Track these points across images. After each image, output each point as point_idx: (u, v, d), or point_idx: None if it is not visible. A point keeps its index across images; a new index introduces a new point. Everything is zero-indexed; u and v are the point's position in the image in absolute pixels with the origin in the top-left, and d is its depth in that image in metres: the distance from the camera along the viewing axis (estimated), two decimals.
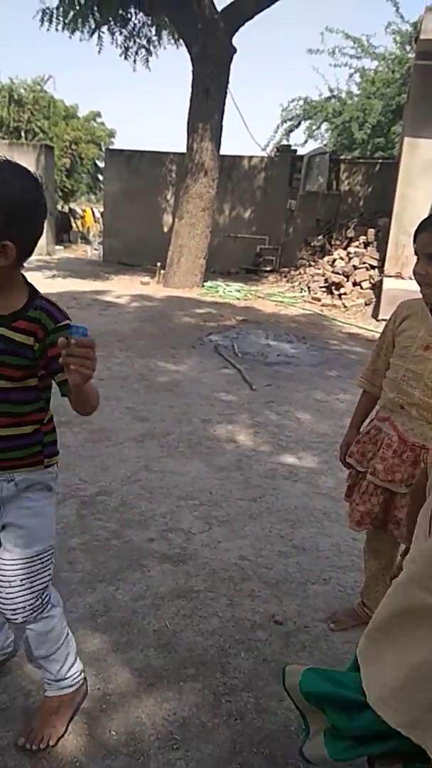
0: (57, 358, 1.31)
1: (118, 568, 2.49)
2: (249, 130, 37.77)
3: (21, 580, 1.55)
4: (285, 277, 11.94)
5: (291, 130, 15.89)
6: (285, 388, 5.17)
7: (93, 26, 10.59)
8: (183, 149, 10.64)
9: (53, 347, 1.38)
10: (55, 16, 10.32)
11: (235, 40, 9.97)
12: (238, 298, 10.05)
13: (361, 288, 9.57)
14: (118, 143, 28.52)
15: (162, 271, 11.01)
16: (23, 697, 1.81)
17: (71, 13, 10.23)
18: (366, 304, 9.28)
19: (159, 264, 11.12)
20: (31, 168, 1.43)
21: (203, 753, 1.68)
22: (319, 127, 15.76)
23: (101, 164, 27.59)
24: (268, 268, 12.76)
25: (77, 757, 1.63)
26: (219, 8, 9.68)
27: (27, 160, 13.06)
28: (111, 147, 19.62)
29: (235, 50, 9.99)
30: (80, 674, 1.77)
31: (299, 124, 15.75)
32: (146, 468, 3.45)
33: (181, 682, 1.91)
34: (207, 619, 2.22)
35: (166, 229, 12.69)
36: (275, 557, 2.64)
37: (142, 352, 6.00)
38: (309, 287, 10.41)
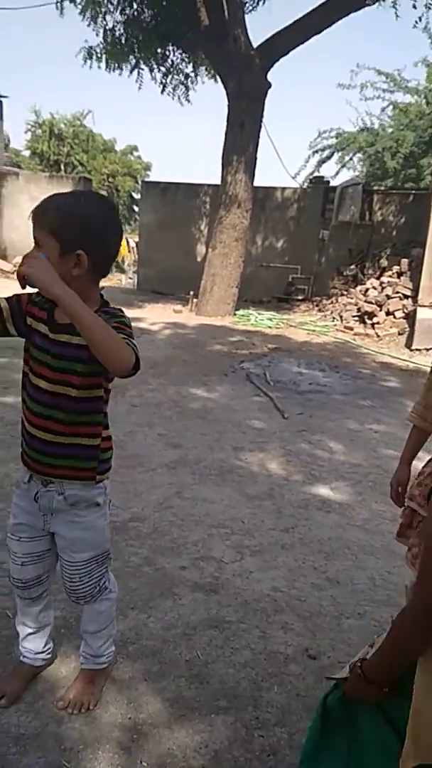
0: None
1: (150, 595, 2.48)
2: (282, 162, 38.45)
3: (80, 577, 1.74)
4: (317, 306, 11.95)
5: (323, 161, 16.13)
6: (317, 417, 5.14)
7: (133, 64, 10.97)
8: (217, 180, 10.85)
9: None
10: (96, 54, 10.74)
11: (269, 75, 10.20)
12: (270, 327, 10.08)
13: (395, 317, 9.52)
14: (154, 175, 29.26)
15: (195, 300, 11.14)
16: (55, 724, 1.80)
17: (112, 51, 10.63)
18: (399, 334, 9.21)
19: (192, 293, 11.25)
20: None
21: None
22: (351, 158, 15.96)
23: (137, 196, 28.34)
24: (300, 297, 12.80)
25: None
26: (255, 44, 9.94)
27: (66, 191, 13.46)
28: (147, 179, 20.09)
29: (270, 85, 10.22)
30: (112, 654, 1.95)
31: (332, 155, 15.97)
32: (178, 495, 3.45)
33: (212, 715, 1.89)
34: (239, 650, 2.19)
35: (199, 259, 12.87)
36: (308, 589, 2.60)
37: (174, 379, 6.05)
38: (341, 316, 10.39)
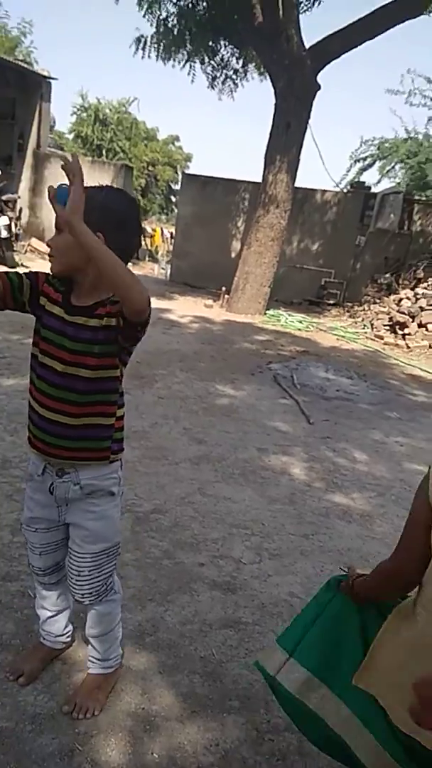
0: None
1: (168, 589, 2.51)
2: (325, 166, 38.03)
3: (89, 571, 1.71)
4: (348, 312, 11.88)
5: (364, 169, 15.99)
6: (343, 425, 5.12)
7: (185, 56, 10.97)
8: (257, 178, 10.81)
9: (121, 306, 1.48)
10: (149, 44, 10.77)
11: (319, 77, 10.12)
12: (300, 329, 10.05)
13: (427, 330, 9.42)
14: (194, 168, 29.23)
15: (226, 296, 11.14)
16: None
17: (165, 43, 10.65)
18: (430, 347, 9.12)
19: (224, 288, 11.26)
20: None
21: None
22: (393, 167, 15.78)
23: (175, 186, 28.36)
24: (332, 302, 12.73)
25: None
26: (307, 45, 9.87)
27: (107, 178, 13.54)
28: (187, 171, 20.09)
29: (319, 87, 10.14)
30: (120, 657, 1.94)
31: (373, 163, 15.83)
32: (200, 491, 3.47)
33: (224, 714, 1.91)
34: (254, 653, 2.20)
35: (233, 255, 12.86)
36: None
37: (202, 375, 6.07)
38: (372, 324, 10.32)
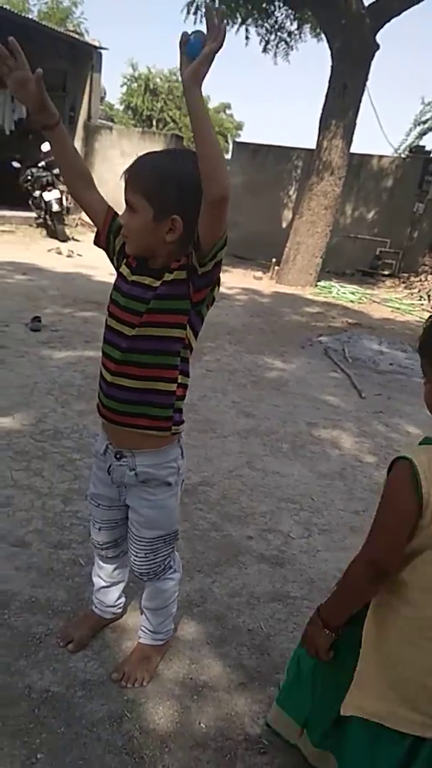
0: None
1: (216, 561, 2.51)
2: (383, 130, 36.62)
3: (145, 554, 1.72)
4: (404, 282, 11.51)
5: (425, 133, 15.29)
6: (396, 400, 4.99)
7: (238, 19, 10.68)
8: (309, 145, 10.51)
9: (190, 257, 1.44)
10: (201, 8, 10.51)
11: (377, 37, 9.67)
12: (352, 301, 9.81)
13: None
14: (245, 136, 28.72)
15: (276, 267, 10.97)
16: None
17: (218, 6, 10.37)
18: None
19: (274, 260, 11.08)
20: None
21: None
22: None
23: (225, 155, 28.01)
24: (387, 272, 12.35)
25: (167, 743, 1.66)
26: (366, 3, 9.42)
27: (157, 148, 13.36)
28: (238, 139, 19.72)
29: (378, 47, 9.69)
30: (171, 632, 1.93)
31: None
32: (248, 464, 3.45)
33: (271, 687, 1.90)
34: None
35: (284, 225, 12.61)
36: None
37: (250, 347, 6.01)
38: (429, 296, 9.98)
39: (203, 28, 1.24)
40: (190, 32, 1.24)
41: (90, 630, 1.98)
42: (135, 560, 1.76)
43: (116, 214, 1.57)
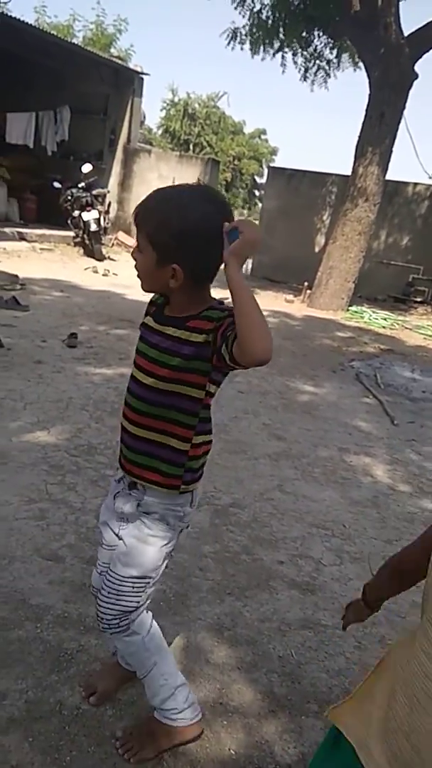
0: (227, 329, 1.32)
1: (247, 584, 2.49)
2: (419, 158, 36.59)
3: (108, 593, 1.56)
4: None
5: None
6: (429, 428, 4.92)
7: (277, 47, 10.87)
8: (344, 171, 10.56)
9: (221, 323, 1.35)
10: (241, 35, 10.74)
11: (417, 65, 9.74)
12: (384, 327, 9.75)
13: None
14: (279, 161, 29.01)
15: (308, 291, 10.98)
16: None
17: (257, 34, 10.58)
18: None
19: (306, 283, 11.10)
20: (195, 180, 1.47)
21: None
22: None
23: (260, 180, 28.26)
24: (419, 299, 12.28)
25: (197, 767, 1.65)
26: (406, 33, 9.51)
27: (194, 172, 13.67)
28: (273, 165, 19.95)
29: (416, 76, 9.75)
30: (178, 714, 1.66)
31: None
32: (279, 488, 3.44)
33: (302, 716, 1.87)
34: (333, 657, 2.15)
35: (317, 250, 12.65)
36: (409, 607, 2.51)
37: (282, 370, 6.00)
38: None
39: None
40: (229, 227, 1.32)
41: (115, 683, 1.84)
42: (98, 601, 1.59)
43: None
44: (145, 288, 1.49)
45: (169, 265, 1.37)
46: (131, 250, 1.51)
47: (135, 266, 1.45)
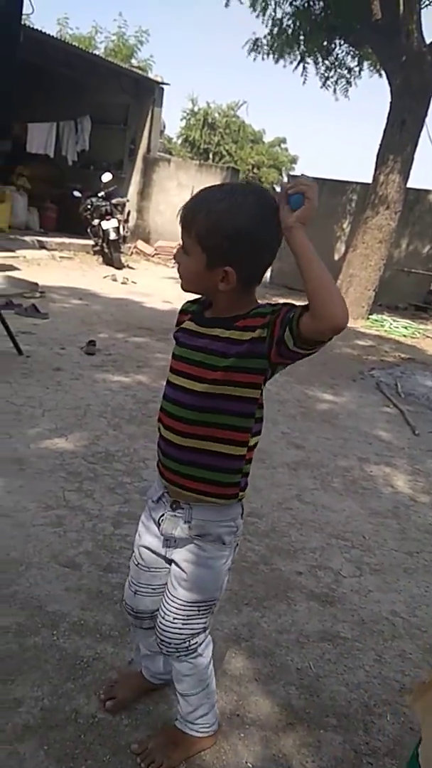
0: (287, 314, 1.27)
1: (265, 595, 2.46)
2: None
3: (173, 619, 1.51)
4: None
5: None
6: None
7: (298, 56, 10.90)
8: (362, 179, 10.52)
9: (277, 314, 1.29)
10: (262, 45, 10.80)
11: None
12: (405, 336, 9.67)
13: None
14: (299, 169, 29.01)
15: None
16: (166, 705, 1.84)
17: (278, 42, 10.63)
18: None
19: None
20: None
21: None
22: None
23: (278, 189, 28.28)
24: None
25: None
26: (427, 40, 9.48)
27: (213, 181, 13.72)
28: (292, 173, 19.96)
29: None
30: (209, 727, 1.68)
31: None
32: (298, 497, 3.40)
33: (321, 730, 1.84)
34: (353, 670, 2.11)
35: (336, 258, 12.58)
36: (431, 620, 2.46)
37: (300, 378, 5.97)
38: None
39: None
40: (289, 190, 1.30)
41: (134, 693, 1.81)
42: (161, 622, 1.53)
43: None
44: (188, 289, 1.42)
45: (220, 268, 1.31)
46: (175, 251, 1.45)
47: (178, 269, 1.40)
